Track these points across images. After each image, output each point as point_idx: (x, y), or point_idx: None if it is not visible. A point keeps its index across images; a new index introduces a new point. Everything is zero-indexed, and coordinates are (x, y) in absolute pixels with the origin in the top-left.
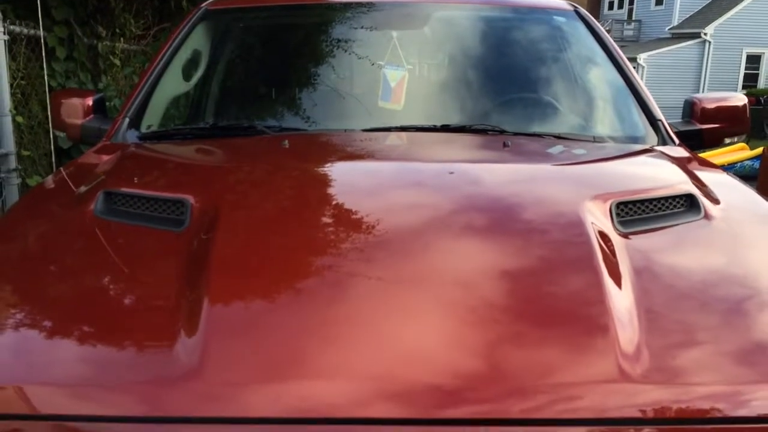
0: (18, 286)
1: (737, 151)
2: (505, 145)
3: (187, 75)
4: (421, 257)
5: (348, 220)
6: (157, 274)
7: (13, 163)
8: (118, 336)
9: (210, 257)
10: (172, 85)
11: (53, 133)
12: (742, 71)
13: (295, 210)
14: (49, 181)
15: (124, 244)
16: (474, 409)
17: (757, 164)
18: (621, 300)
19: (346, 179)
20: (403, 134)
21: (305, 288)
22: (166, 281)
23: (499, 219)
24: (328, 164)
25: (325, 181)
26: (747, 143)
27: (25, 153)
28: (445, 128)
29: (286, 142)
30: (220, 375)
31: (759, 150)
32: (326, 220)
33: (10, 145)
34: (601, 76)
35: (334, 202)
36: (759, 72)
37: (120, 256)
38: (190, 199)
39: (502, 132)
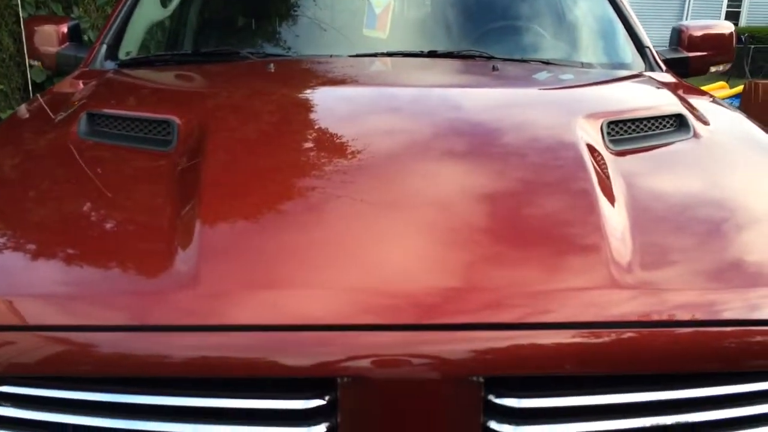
0: (4, 209)
1: (717, 90)
2: (494, 68)
3: (165, 0)
4: (410, 179)
5: (334, 144)
6: (147, 192)
7: None
8: (110, 251)
9: (200, 176)
10: (151, 10)
11: (28, 63)
12: (724, 9)
13: (282, 132)
14: (24, 110)
15: (111, 164)
16: (461, 314)
17: (736, 103)
18: (612, 214)
19: (332, 103)
20: (389, 60)
21: (294, 206)
22: (156, 199)
23: (489, 137)
24: (314, 88)
25: (310, 105)
26: (727, 82)
27: None
28: (431, 54)
29: (272, 65)
30: (213, 285)
31: (739, 88)
32: (311, 143)
33: None
34: (588, 3)
35: (320, 126)
36: (740, 10)
37: (108, 176)
38: (176, 119)
39: (489, 58)
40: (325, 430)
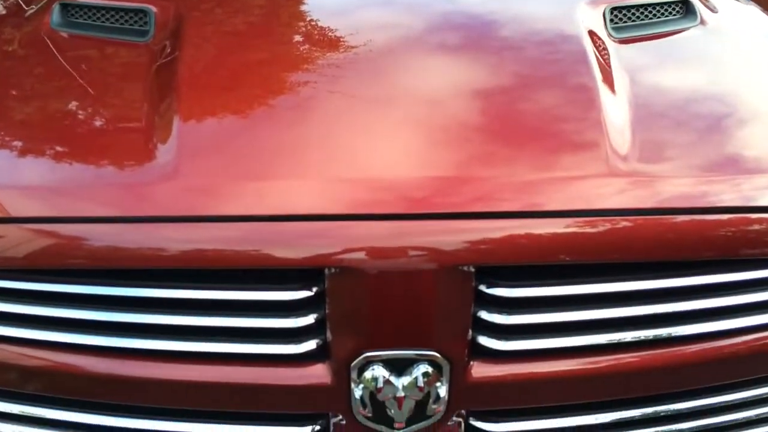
0: None
1: None
2: None
3: None
4: (403, 73)
5: (320, 37)
6: (127, 86)
7: None
8: (91, 145)
9: (179, 68)
10: None
11: None
12: None
13: (268, 23)
14: None
15: (87, 56)
16: (452, 204)
17: None
18: (612, 105)
19: None
20: None
21: (281, 99)
22: (135, 92)
23: (487, 28)
24: None
25: None
26: None
27: None
28: None
29: None
30: (199, 177)
31: None
32: (297, 36)
33: None
34: None
35: (305, 18)
36: None
37: (84, 70)
38: (152, 8)
39: None
40: (313, 321)
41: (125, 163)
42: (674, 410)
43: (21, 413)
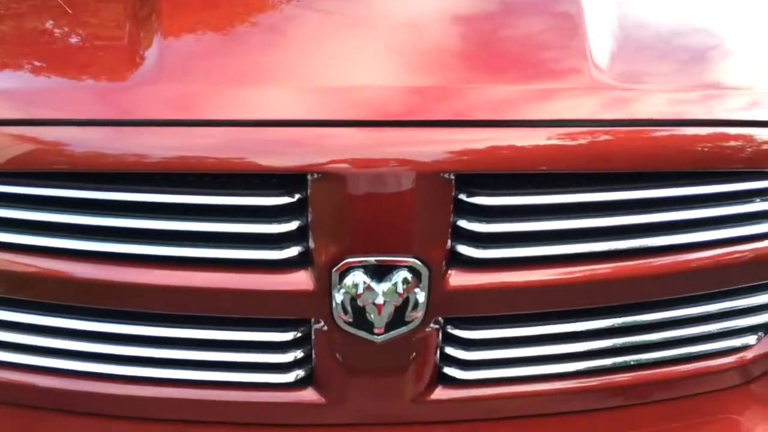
0: None
1: None
2: None
3: None
4: None
5: None
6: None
7: None
8: (73, 54)
9: None
10: None
11: None
12: None
13: None
14: None
15: None
16: (433, 112)
17: None
18: (596, 17)
19: None
20: None
21: (262, 13)
22: (116, 6)
23: None
24: None
25: None
26: None
27: None
28: None
29: None
30: (177, 83)
31: None
32: None
33: None
34: None
35: None
36: None
37: None
38: None
39: None
40: (296, 227)
41: (109, 70)
42: (644, 321)
43: (3, 319)
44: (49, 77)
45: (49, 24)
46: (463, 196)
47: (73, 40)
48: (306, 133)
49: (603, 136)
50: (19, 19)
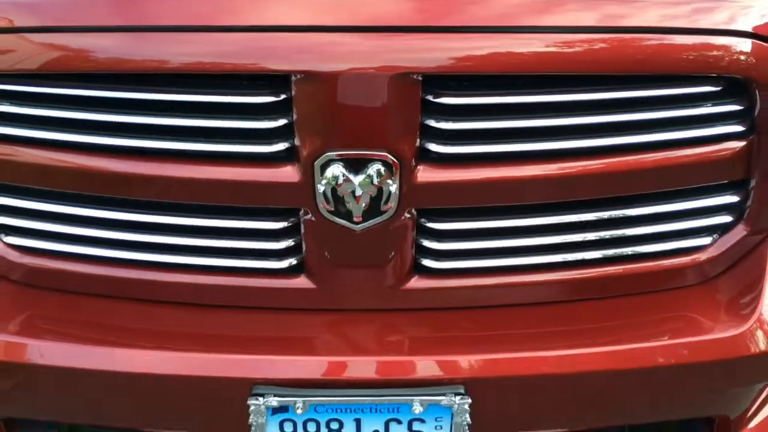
0: None
1: None
2: None
3: None
4: None
5: None
6: None
7: None
8: None
9: None
10: None
11: None
12: None
13: None
14: None
15: None
16: (403, 18)
17: None
18: None
19: None
20: None
21: None
22: None
23: None
24: None
25: None
26: None
27: None
28: None
29: None
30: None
31: None
32: None
33: None
34: None
35: None
36: None
37: None
38: None
39: None
40: (282, 124)
41: None
42: (603, 217)
43: (38, 209)
44: None
45: None
46: (430, 97)
47: None
48: (287, 37)
49: (550, 41)
50: None
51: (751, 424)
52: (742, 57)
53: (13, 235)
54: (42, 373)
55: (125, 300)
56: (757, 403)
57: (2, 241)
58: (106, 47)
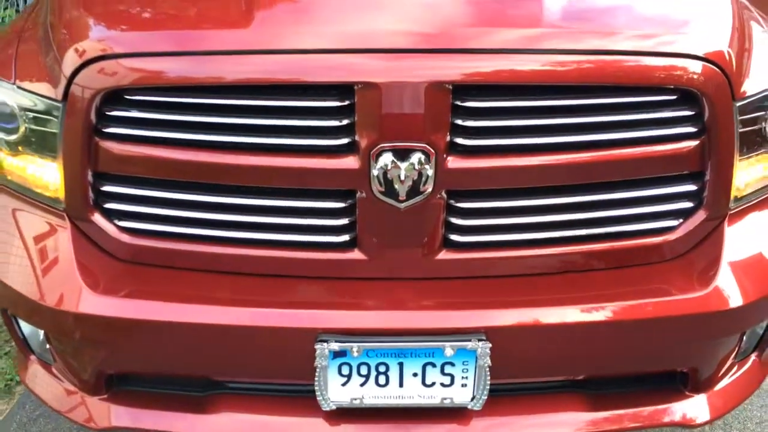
0: None
1: None
2: None
3: None
4: None
5: None
6: None
7: None
8: (192, 12)
9: None
10: None
11: None
12: None
13: None
14: None
15: None
16: (433, 42)
17: None
18: None
19: None
20: None
21: None
22: None
23: None
24: None
25: None
26: None
27: None
28: None
29: None
30: (266, 27)
31: None
32: None
33: None
34: None
35: None
36: None
37: None
38: None
39: None
40: (347, 123)
41: (218, 19)
42: (594, 200)
43: (146, 195)
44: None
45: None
46: (458, 102)
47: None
48: (354, 57)
49: (549, 60)
50: None
51: (719, 384)
52: (695, 75)
53: (125, 220)
54: (146, 327)
55: (215, 273)
56: (724, 368)
57: (116, 224)
58: (218, 67)
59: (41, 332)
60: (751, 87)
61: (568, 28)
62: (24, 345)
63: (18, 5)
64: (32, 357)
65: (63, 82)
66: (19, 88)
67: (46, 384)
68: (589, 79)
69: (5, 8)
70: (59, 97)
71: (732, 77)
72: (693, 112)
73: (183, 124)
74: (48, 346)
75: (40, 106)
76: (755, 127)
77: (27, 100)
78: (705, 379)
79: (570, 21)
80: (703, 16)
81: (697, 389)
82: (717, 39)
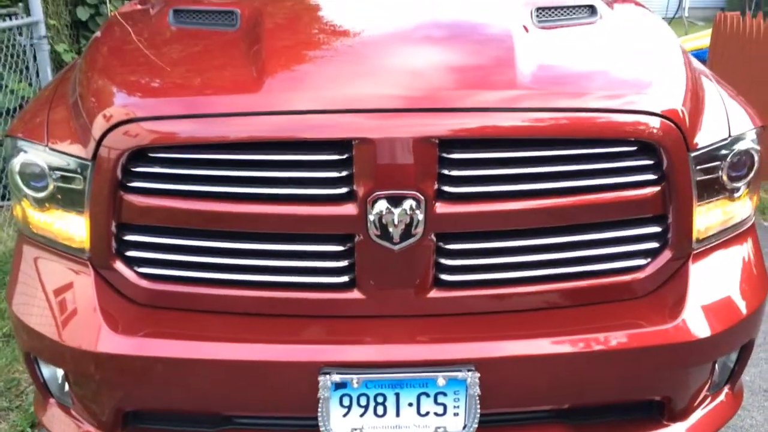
0: (131, 62)
1: (705, 38)
2: None
3: None
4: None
5: (335, 25)
6: (225, 45)
7: (43, 30)
8: (204, 78)
9: (261, 34)
10: None
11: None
12: None
13: (307, 16)
14: (116, 19)
15: (196, 36)
16: (421, 102)
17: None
18: (525, 51)
19: (337, 3)
20: None
21: (322, 51)
22: (232, 50)
23: (455, 25)
24: None
25: (321, 5)
26: None
27: (51, 22)
28: None
29: None
30: (276, 87)
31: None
32: (321, 24)
33: (39, 13)
34: None
35: (325, 16)
36: None
37: (194, 41)
38: (238, 10)
39: None
40: (345, 174)
41: (229, 82)
42: (568, 241)
43: (163, 243)
44: (190, 90)
45: (188, 63)
46: (444, 154)
47: (200, 70)
48: (350, 116)
49: (525, 117)
50: (164, 57)
51: (695, 414)
52: (654, 129)
53: (144, 266)
54: (162, 364)
55: (227, 314)
56: (699, 398)
57: (135, 270)
58: (227, 127)
59: (60, 376)
60: (703, 140)
61: (542, 89)
62: (44, 388)
63: (31, 79)
64: (51, 400)
65: (92, 144)
66: (51, 149)
67: (64, 425)
68: (561, 133)
69: (19, 81)
70: (89, 156)
71: (686, 131)
72: (653, 161)
73: (199, 177)
74: (66, 389)
75: (72, 165)
76: (713, 176)
77: (58, 160)
78: (680, 409)
79: (543, 83)
80: (661, 78)
81: (674, 418)
82: (673, 98)
